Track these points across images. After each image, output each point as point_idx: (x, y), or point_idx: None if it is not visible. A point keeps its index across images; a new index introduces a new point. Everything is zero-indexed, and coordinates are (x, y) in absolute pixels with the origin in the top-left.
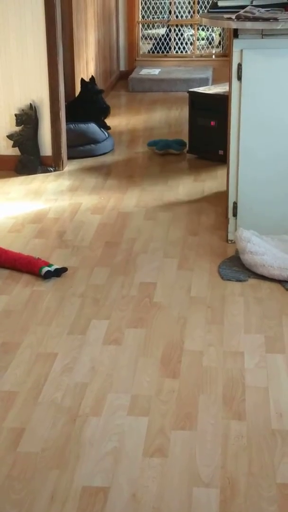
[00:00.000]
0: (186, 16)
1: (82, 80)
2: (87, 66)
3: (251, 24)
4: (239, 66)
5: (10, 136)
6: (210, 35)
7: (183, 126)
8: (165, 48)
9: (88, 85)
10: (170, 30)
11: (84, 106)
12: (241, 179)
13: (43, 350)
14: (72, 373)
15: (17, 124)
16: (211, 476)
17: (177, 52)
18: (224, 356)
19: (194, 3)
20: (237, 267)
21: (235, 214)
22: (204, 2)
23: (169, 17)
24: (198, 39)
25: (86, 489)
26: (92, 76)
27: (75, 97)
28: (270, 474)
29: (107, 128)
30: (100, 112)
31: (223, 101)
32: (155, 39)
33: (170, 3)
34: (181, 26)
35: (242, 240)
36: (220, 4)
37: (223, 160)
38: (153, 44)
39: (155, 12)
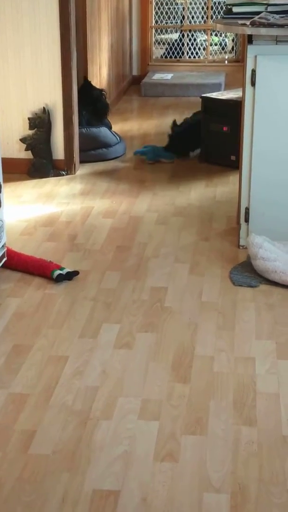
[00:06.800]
0: (200, 22)
1: (85, 78)
2: (100, 71)
3: (265, 30)
4: (253, 72)
5: (23, 140)
6: (223, 40)
7: None
8: (178, 53)
9: (91, 85)
10: (183, 35)
11: (89, 107)
12: (253, 185)
13: (54, 353)
14: (83, 377)
15: (30, 127)
16: (221, 482)
17: (190, 57)
18: (235, 362)
19: (207, 8)
20: (248, 272)
21: (247, 220)
22: (218, 8)
23: (182, 22)
24: (211, 45)
25: (97, 493)
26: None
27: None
28: (281, 481)
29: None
30: (102, 108)
31: (236, 106)
32: (168, 44)
33: (183, 9)
34: (194, 31)
35: (254, 246)
36: (234, 10)
37: (235, 165)
38: (166, 49)
39: (168, 17)
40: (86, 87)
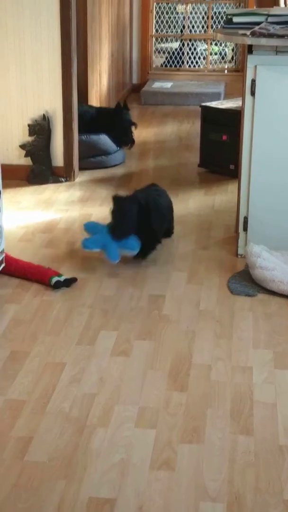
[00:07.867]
0: (200, 31)
1: (120, 105)
2: (100, 78)
3: (265, 41)
4: (253, 82)
5: (22, 146)
6: (223, 50)
7: (194, 140)
8: (178, 62)
9: (124, 114)
10: (183, 44)
11: (113, 132)
12: (252, 194)
13: (51, 360)
14: (80, 384)
15: (30, 134)
16: (218, 491)
17: (189, 66)
18: (233, 371)
19: (208, 18)
20: (246, 281)
21: (245, 229)
22: (218, 18)
23: (182, 31)
24: (211, 54)
25: (93, 500)
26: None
27: (103, 114)
28: (277, 490)
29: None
30: (126, 142)
31: (235, 116)
32: (168, 53)
33: (184, 18)
34: (194, 40)
35: (252, 255)
36: (235, 20)
37: (234, 174)
38: (166, 58)
39: (169, 27)
40: (120, 111)
